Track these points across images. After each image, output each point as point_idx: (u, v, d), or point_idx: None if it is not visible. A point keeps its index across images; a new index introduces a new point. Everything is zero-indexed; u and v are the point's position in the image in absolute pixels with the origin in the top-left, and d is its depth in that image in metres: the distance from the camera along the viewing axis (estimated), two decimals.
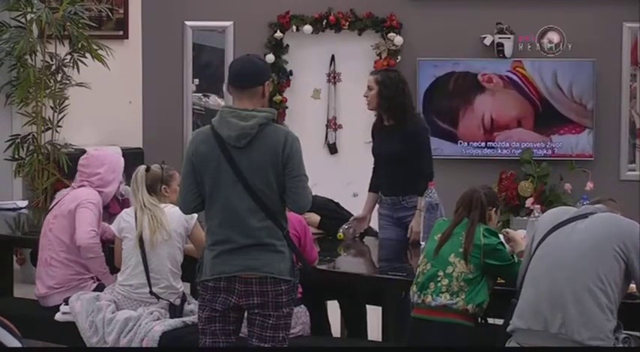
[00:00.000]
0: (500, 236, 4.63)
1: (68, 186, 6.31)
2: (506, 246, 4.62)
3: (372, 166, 6.09)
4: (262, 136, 4.17)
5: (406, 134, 5.77)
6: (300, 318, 4.93)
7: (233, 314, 4.24)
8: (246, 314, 4.27)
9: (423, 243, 5.30)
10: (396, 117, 5.84)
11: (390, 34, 9.10)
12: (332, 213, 5.94)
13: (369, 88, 5.90)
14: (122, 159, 5.72)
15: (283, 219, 4.26)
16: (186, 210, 4.43)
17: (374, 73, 6.05)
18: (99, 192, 5.50)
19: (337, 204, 6.09)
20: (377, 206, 5.93)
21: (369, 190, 6.04)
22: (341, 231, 5.78)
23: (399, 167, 5.75)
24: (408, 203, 5.74)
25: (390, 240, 5.78)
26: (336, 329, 5.83)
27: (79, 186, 5.57)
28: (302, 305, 4.96)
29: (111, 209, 5.96)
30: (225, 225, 4.19)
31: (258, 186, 4.16)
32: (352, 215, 6.00)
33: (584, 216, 4.19)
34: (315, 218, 5.84)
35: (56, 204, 5.62)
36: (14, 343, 2.62)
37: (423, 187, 5.63)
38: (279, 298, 4.18)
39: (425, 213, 5.55)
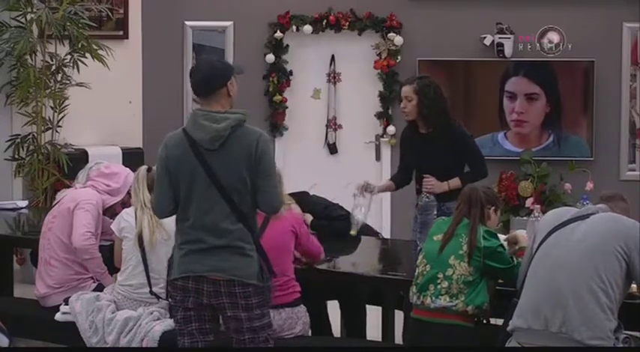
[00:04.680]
0: (501, 237, 4.63)
1: (68, 186, 6.32)
2: (506, 247, 4.61)
3: (398, 169, 6.09)
4: (235, 138, 4.18)
5: (452, 141, 5.75)
6: (301, 318, 4.93)
7: (207, 312, 4.26)
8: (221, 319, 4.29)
9: (420, 244, 5.31)
10: (436, 124, 5.79)
11: (390, 34, 9.09)
12: (323, 212, 5.90)
13: (407, 99, 5.79)
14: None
15: (254, 222, 4.26)
16: (162, 214, 4.43)
17: (409, 83, 5.88)
18: (101, 194, 5.53)
19: (337, 204, 6.06)
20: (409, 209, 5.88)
21: (390, 179, 6.07)
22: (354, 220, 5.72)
23: (444, 175, 5.72)
24: (449, 208, 5.72)
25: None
26: (336, 329, 5.83)
27: (82, 187, 5.58)
28: (302, 305, 4.96)
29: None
30: (198, 226, 4.21)
31: (232, 189, 4.17)
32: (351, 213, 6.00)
33: (586, 216, 4.19)
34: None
35: (56, 204, 5.63)
36: (1, 339, 2.61)
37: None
38: (249, 300, 4.19)
39: (420, 214, 5.55)
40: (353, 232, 5.71)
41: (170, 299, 4.39)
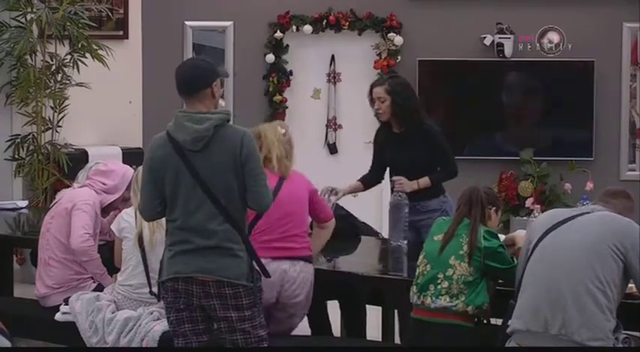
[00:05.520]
0: (501, 237, 4.62)
1: (68, 186, 6.32)
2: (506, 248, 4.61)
3: (370, 168, 6.08)
4: (218, 138, 4.17)
5: (423, 139, 5.74)
6: (310, 276, 4.92)
7: (199, 313, 4.26)
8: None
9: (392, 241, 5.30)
10: (407, 123, 5.79)
11: (390, 34, 9.10)
12: None
13: (380, 100, 5.78)
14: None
15: (242, 222, 4.25)
16: (149, 217, 4.44)
17: (380, 84, 5.88)
18: (99, 193, 5.53)
19: (337, 204, 6.05)
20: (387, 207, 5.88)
21: (358, 180, 6.04)
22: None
23: (418, 174, 5.71)
24: (423, 207, 5.71)
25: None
26: (336, 329, 5.82)
27: (80, 187, 5.58)
28: (312, 266, 4.96)
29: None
30: (185, 227, 4.21)
31: (218, 189, 4.17)
32: (351, 214, 5.99)
33: (581, 215, 4.19)
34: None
35: (54, 204, 5.63)
36: (2, 341, 2.62)
37: (440, 189, 5.81)
38: (239, 301, 4.19)
39: (392, 212, 5.54)
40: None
41: (162, 301, 4.38)
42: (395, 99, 5.76)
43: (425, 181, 5.71)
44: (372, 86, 5.92)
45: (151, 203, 4.30)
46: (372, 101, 5.88)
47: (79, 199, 5.44)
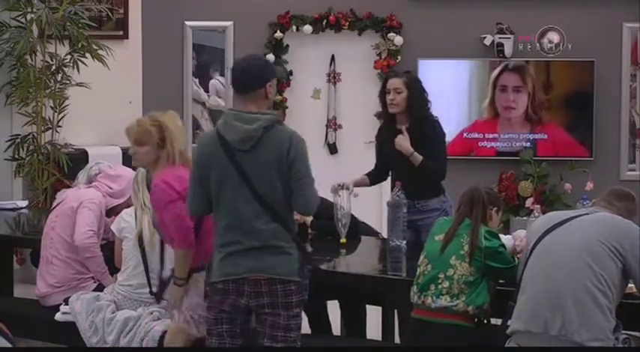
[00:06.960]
0: (502, 237, 4.62)
1: (68, 186, 6.33)
2: (508, 247, 4.61)
3: (375, 165, 6.06)
4: (267, 139, 4.16)
5: (425, 136, 5.74)
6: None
7: (241, 316, 4.25)
8: (254, 316, 4.26)
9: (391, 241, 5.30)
10: (416, 118, 5.78)
11: (390, 34, 9.11)
12: (324, 213, 5.87)
13: (397, 91, 5.75)
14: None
15: (291, 221, 4.24)
16: (195, 212, 4.40)
17: (398, 76, 5.86)
18: (104, 196, 5.55)
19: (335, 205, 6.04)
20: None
21: (365, 174, 6.03)
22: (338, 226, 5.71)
23: (416, 171, 5.70)
24: (423, 207, 5.71)
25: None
26: (336, 329, 5.83)
27: (87, 188, 5.60)
28: None
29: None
30: (232, 227, 4.19)
31: (264, 189, 4.15)
32: (351, 214, 5.98)
33: (580, 216, 4.19)
34: (308, 218, 5.79)
35: (58, 203, 5.64)
36: (2, 342, 2.62)
37: (440, 189, 5.77)
38: (289, 298, 4.18)
39: (389, 212, 5.53)
40: (343, 240, 5.68)
41: (206, 300, 4.34)
42: (412, 92, 5.76)
43: (417, 157, 5.68)
44: (388, 78, 5.92)
45: (197, 198, 4.27)
46: (383, 93, 5.85)
47: (85, 198, 5.49)
